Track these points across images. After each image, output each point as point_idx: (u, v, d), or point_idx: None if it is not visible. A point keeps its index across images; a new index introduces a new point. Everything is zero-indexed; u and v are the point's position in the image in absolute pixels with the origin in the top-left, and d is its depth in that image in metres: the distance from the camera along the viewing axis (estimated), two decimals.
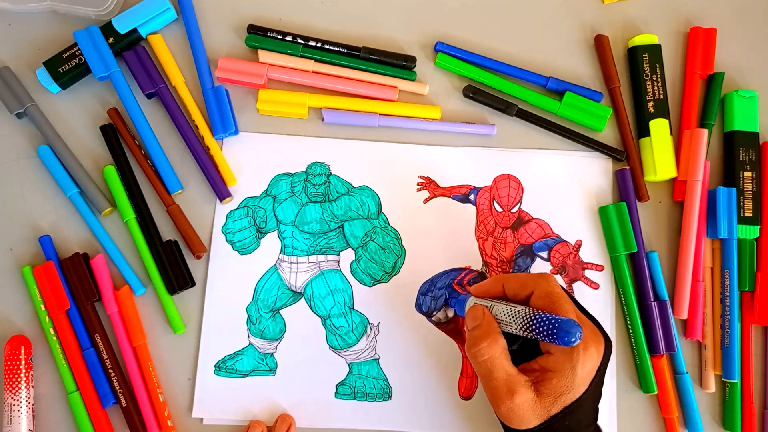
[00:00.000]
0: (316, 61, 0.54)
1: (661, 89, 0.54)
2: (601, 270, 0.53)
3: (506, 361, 0.41)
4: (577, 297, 0.52)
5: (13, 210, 0.52)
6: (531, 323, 0.39)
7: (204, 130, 0.53)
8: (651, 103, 0.54)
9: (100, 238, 0.51)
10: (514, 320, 0.41)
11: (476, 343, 0.42)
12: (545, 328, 0.38)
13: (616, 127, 0.55)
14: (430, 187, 0.54)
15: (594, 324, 0.42)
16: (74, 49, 0.53)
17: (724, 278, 0.52)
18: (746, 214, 0.53)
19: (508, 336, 0.42)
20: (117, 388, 0.49)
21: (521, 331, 0.40)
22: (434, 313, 0.52)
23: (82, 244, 0.52)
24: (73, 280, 0.49)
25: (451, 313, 0.52)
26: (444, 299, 0.52)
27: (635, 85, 0.55)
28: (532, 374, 0.41)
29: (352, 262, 0.52)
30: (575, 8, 0.57)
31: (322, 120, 0.54)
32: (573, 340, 0.37)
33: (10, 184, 0.53)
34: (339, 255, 0.53)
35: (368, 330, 0.52)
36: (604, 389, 0.43)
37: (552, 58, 0.56)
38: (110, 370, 0.49)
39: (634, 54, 0.55)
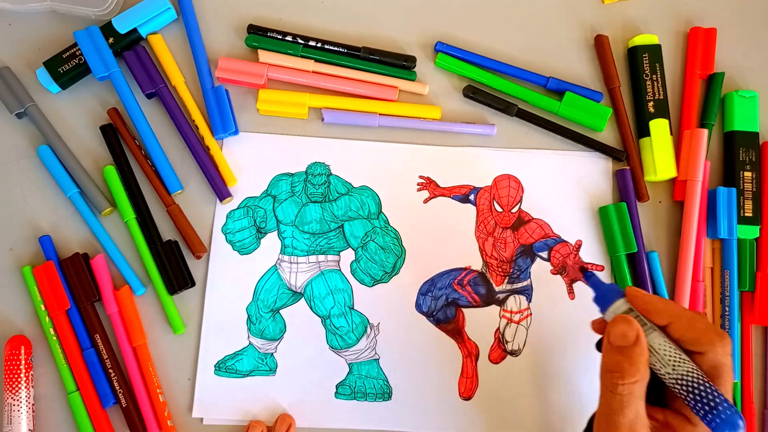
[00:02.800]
0: (316, 61, 0.54)
1: (661, 89, 0.54)
2: (601, 270, 0.53)
3: (642, 401, 0.35)
4: (577, 297, 0.52)
5: (13, 210, 0.52)
6: (690, 389, 0.34)
7: (204, 130, 0.53)
8: (651, 103, 0.54)
9: (100, 238, 0.51)
10: (670, 370, 0.35)
11: (622, 374, 0.35)
12: (704, 403, 0.33)
13: (616, 127, 0.55)
14: (430, 187, 0.54)
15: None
16: (74, 49, 0.53)
17: (724, 278, 0.52)
18: (746, 214, 0.53)
19: None
20: (117, 388, 0.49)
21: (670, 383, 0.35)
22: (434, 313, 0.52)
23: (82, 244, 0.52)
24: (73, 280, 0.49)
25: (451, 313, 0.52)
26: (444, 299, 0.52)
27: (635, 85, 0.55)
28: (652, 421, 0.37)
29: (352, 262, 0.52)
30: (575, 8, 0.57)
31: (322, 120, 0.54)
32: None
33: (10, 184, 0.53)
34: (339, 255, 0.53)
35: (368, 330, 0.52)
36: None
37: (552, 58, 0.56)
38: (110, 370, 0.49)
39: (634, 54, 0.55)
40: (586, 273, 0.42)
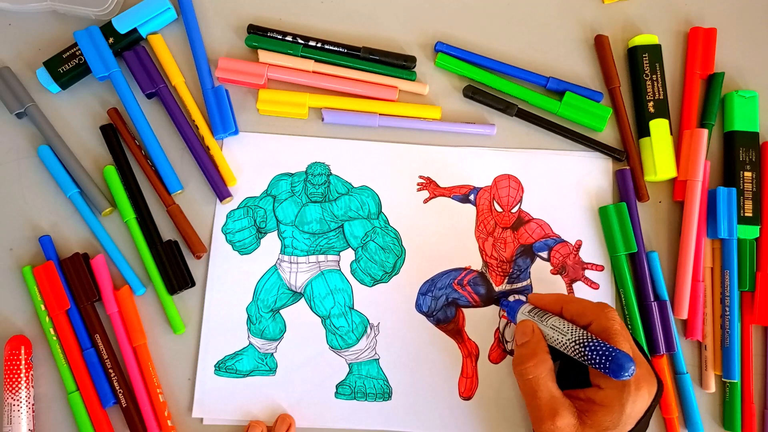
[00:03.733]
0: (316, 61, 0.54)
1: (661, 89, 0.54)
2: (601, 270, 0.53)
3: (551, 382, 0.41)
4: (576, 296, 0.52)
5: (13, 210, 0.52)
6: (585, 348, 0.39)
7: (204, 130, 0.53)
8: (651, 103, 0.54)
9: (100, 238, 0.51)
10: (567, 339, 0.41)
11: (523, 361, 0.42)
12: (599, 356, 0.38)
13: (616, 127, 0.55)
14: (430, 187, 0.54)
15: (648, 364, 0.42)
16: (74, 49, 0.53)
17: (724, 278, 0.52)
18: (746, 214, 0.53)
19: (551, 351, 0.43)
20: (117, 388, 0.49)
21: (572, 352, 0.40)
22: (434, 313, 0.52)
23: (82, 244, 0.52)
24: (73, 280, 0.49)
25: (451, 313, 0.52)
26: (444, 299, 0.52)
27: (635, 85, 0.55)
28: (576, 402, 0.41)
29: (352, 262, 0.52)
30: (575, 8, 0.57)
31: (322, 120, 0.54)
32: (626, 374, 0.37)
33: (10, 184, 0.53)
34: (339, 255, 0.53)
35: (368, 330, 0.52)
36: None
37: (552, 58, 0.56)
38: (110, 370, 0.49)
39: (634, 54, 0.55)
40: (501, 302, 0.50)
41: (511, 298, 0.52)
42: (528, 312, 0.45)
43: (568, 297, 0.45)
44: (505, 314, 0.51)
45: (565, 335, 0.41)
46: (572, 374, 0.44)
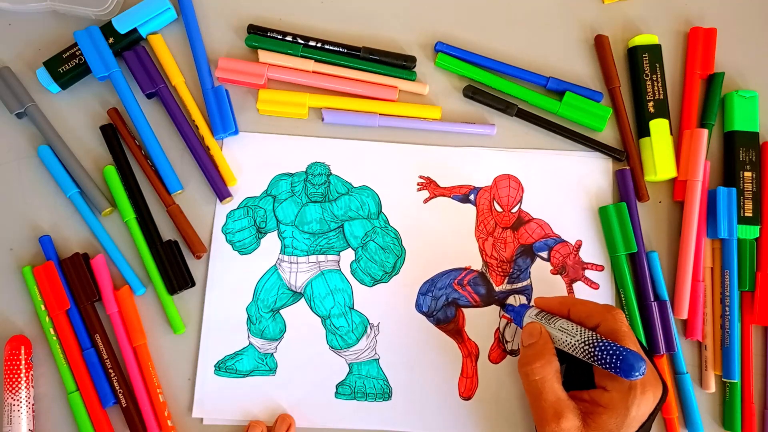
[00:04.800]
0: (316, 61, 0.54)
1: (661, 89, 0.54)
2: (601, 270, 0.53)
3: (557, 383, 0.41)
4: (577, 296, 0.52)
5: (13, 210, 0.52)
6: (595, 348, 0.39)
7: (204, 130, 0.53)
8: (651, 103, 0.54)
9: (100, 238, 0.51)
10: (576, 340, 0.41)
11: (529, 362, 0.42)
12: (609, 356, 0.38)
13: (616, 127, 0.55)
14: (430, 187, 0.54)
15: (654, 368, 0.42)
16: (74, 49, 0.53)
17: (724, 278, 0.52)
18: (746, 214, 0.53)
19: (558, 354, 0.43)
20: (117, 388, 0.49)
21: (581, 354, 0.40)
22: (434, 313, 0.52)
23: (82, 244, 0.52)
24: (73, 280, 0.49)
25: (451, 313, 0.52)
26: (444, 299, 0.52)
27: (635, 85, 0.55)
28: (581, 404, 0.41)
29: (352, 262, 0.52)
30: (575, 8, 0.57)
31: (322, 120, 0.54)
32: (636, 374, 0.37)
33: (10, 184, 0.53)
34: (339, 255, 0.53)
35: (368, 330, 0.52)
36: None
37: (552, 58, 0.56)
38: (110, 370, 0.49)
39: (634, 54, 0.55)
40: (506, 307, 0.50)
41: (511, 301, 0.52)
42: (535, 315, 0.45)
43: (575, 299, 0.45)
44: (511, 319, 0.51)
45: (573, 336, 0.41)
46: (576, 378, 0.44)
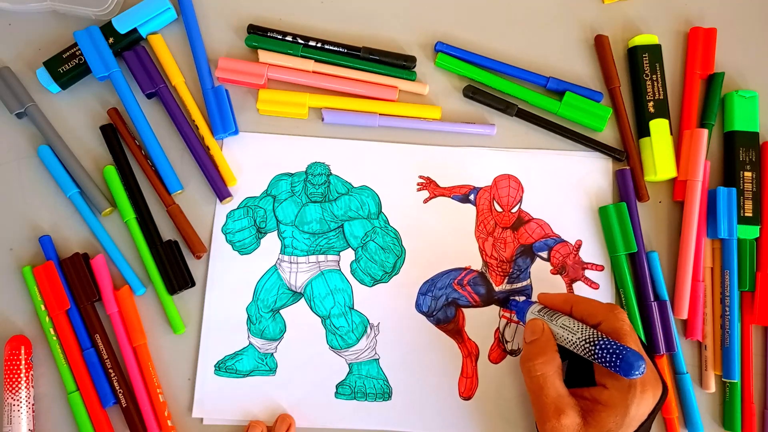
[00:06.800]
0: (316, 61, 0.54)
1: (661, 89, 0.54)
2: (601, 270, 0.53)
3: (559, 380, 0.42)
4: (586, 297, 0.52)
5: (13, 210, 0.52)
6: (596, 346, 0.39)
7: (204, 130, 0.53)
8: (651, 103, 0.54)
9: (100, 238, 0.51)
10: (578, 337, 0.41)
11: (531, 358, 0.42)
12: (610, 354, 0.38)
13: (616, 127, 0.55)
14: (430, 187, 0.54)
15: (654, 368, 0.42)
16: (74, 49, 0.53)
17: (724, 278, 0.52)
18: (746, 214, 0.53)
19: (560, 350, 0.43)
20: (117, 388, 0.49)
21: (582, 351, 0.40)
22: (434, 313, 0.52)
23: (82, 244, 0.52)
24: (73, 280, 0.49)
25: (451, 313, 0.52)
26: (444, 299, 0.52)
27: (635, 85, 0.55)
28: (581, 401, 0.41)
29: (352, 262, 0.52)
30: (575, 8, 0.57)
31: (322, 120, 0.54)
32: (636, 372, 0.37)
33: (10, 184, 0.53)
34: (339, 255, 0.53)
35: (368, 330, 0.52)
36: None
37: (552, 58, 0.56)
38: (110, 370, 0.49)
39: (634, 54, 0.55)
40: (510, 302, 0.51)
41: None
42: (538, 311, 0.45)
43: (578, 297, 0.46)
44: (513, 314, 0.51)
45: (575, 334, 0.41)
46: (577, 375, 0.44)
